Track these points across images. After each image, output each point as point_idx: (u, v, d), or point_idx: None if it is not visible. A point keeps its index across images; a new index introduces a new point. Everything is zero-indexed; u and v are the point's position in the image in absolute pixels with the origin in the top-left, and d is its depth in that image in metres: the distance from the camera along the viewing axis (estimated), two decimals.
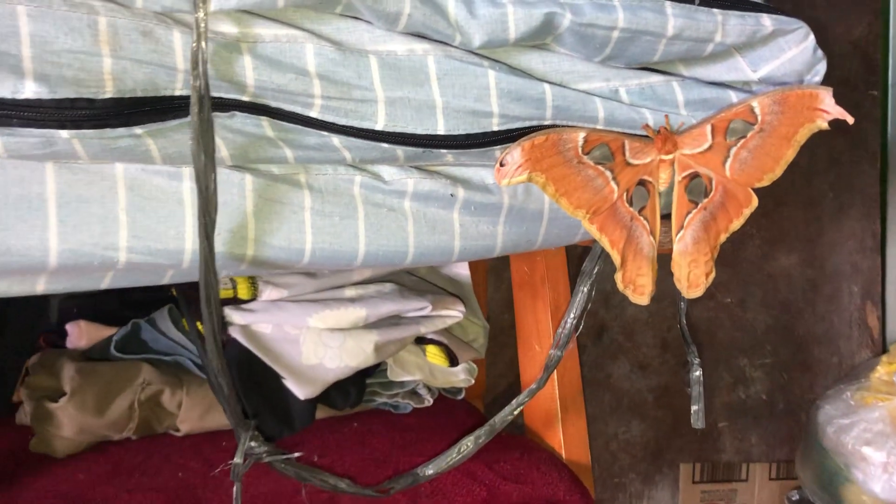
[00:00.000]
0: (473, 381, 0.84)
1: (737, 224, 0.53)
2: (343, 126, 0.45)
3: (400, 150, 0.48)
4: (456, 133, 0.47)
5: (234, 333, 0.70)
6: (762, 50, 0.53)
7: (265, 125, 0.45)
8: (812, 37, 0.52)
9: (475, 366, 0.85)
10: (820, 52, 0.53)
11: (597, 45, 0.48)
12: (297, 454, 0.54)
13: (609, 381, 1.46)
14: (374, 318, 0.73)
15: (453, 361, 0.77)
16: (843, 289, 1.70)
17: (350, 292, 0.74)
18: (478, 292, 0.92)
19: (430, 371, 0.80)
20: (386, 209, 0.50)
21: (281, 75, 0.43)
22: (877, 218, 1.72)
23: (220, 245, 0.46)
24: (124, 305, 0.76)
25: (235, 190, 0.46)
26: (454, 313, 0.78)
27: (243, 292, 0.69)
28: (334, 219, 0.49)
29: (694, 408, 0.69)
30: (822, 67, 0.53)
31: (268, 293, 0.70)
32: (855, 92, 1.66)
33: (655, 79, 0.52)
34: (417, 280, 0.83)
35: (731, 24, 0.50)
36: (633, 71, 0.51)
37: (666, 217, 0.56)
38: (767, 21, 0.51)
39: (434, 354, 0.77)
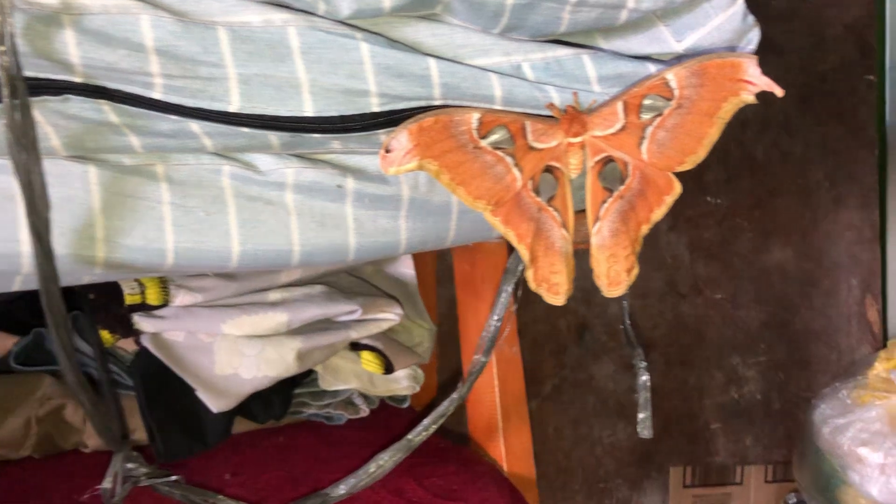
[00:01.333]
0: (419, 388, 0.79)
1: (659, 214, 0.47)
2: (193, 108, 0.40)
3: (272, 136, 0.43)
4: (328, 114, 0.42)
5: (145, 342, 0.65)
6: (686, 17, 0.47)
7: (106, 109, 0.40)
8: (741, 1, 0.46)
9: (421, 371, 0.79)
10: (751, 18, 0.46)
11: (491, 14, 0.43)
12: (175, 477, 0.49)
13: (592, 383, 1.40)
14: (297, 324, 0.67)
15: (388, 368, 0.72)
16: (841, 282, 1.63)
17: (274, 296, 0.69)
18: (427, 292, 0.86)
19: (369, 378, 0.75)
20: (262, 203, 0.45)
21: (111, 51, 0.37)
22: (875, 208, 1.64)
23: (63, 247, 0.41)
24: (34, 314, 0.71)
25: (78, 184, 0.41)
26: (390, 316, 0.72)
27: (153, 297, 0.64)
28: (199, 214, 0.44)
29: (641, 415, 0.63)
30: (755, 35, 0.47)
31: (180, 298, 0.65)
32: (851, 76, 1.59)
33: (563, 52, 0.46)
34: (356, 281, 0.78)
35: None
36: (538, 44, 0.46)
37: (583, 212, 0.50)
38: None
39: (368, 361, 0.72)
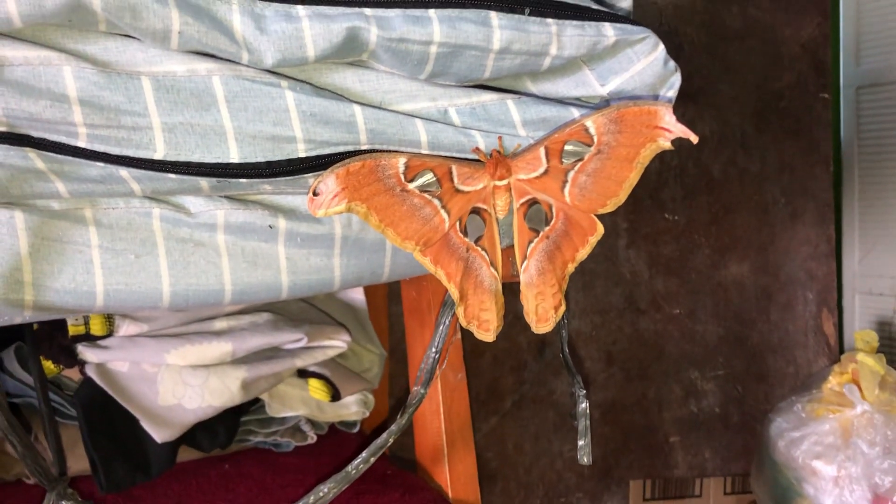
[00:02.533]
0: (369, 413, 0.80)
1: (584, 253, 0.48)
2: (119, 156, 0.40)
3: (202, 181, 0.43)
4: (254, 160, 0.42)
5: (90, 372, 0.65)
6: (610, 62, 0.48)
7: (32, 156, 0.40)
8: (661, 47, 0.47)
9: (371, 396, 0.80)
10: (672, 64, 0.48)
11: (415, 62, 0.44)
12: None
13: (552, 398, 1.41)
14: (242, 353, 0.68)
15: (335, 396, 0.72)
16: (797, 296, 1.66)
17: (220, 324, 0.69)
18: (378, 316, 0.87)
19: (318, 405, 0.75)
20: (192, 244, 0.46)
21: (32, 102, 0.38)
22: (831, 223, 1.68)
23: None
24: None
25: (4, 229, 0.41)
26: (337, 343, 0.73)
27: (97, 328, 0.64)
28: (129, 257, 0.44)
29: (580, 442, 0.64)
30: (676, 80, 0.48)
31: (125, 328, 0.65)
32: (805, 95, 1.62)
33: (488, 97, 0.47)
34: (305, 306, 0.78)
35: (567, 35, 0.45)
36: (464, 89, 0.47)
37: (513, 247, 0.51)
38: (609, 31, 0.46)
39: (316, 388, 0.73)
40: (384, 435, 0.57)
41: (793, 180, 1.62)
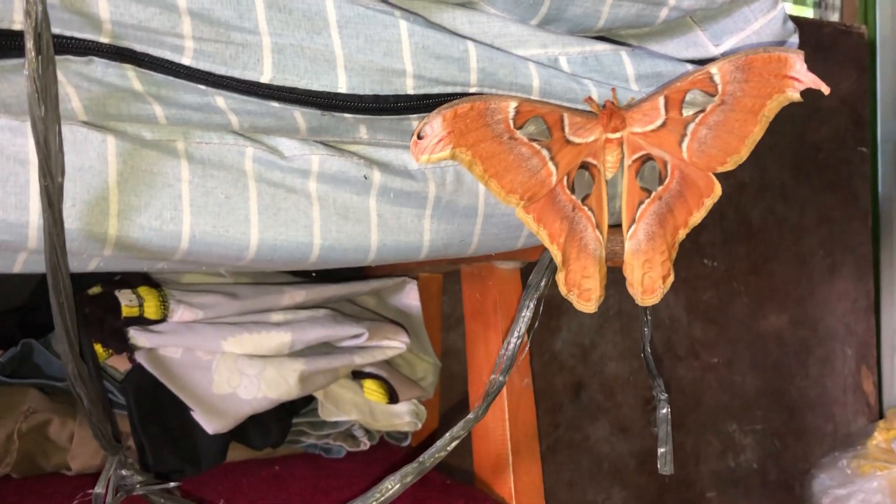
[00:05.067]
0: (421, 426, 0.75)
1: (697, 217, 0.45)
2: (222, 77, 0.38)
3: (299, 116, 0.41)
4: (362, 92, 0.40)
5: (140, 358, 0.62)
6: (724, 21, 0.46)
7: (131, 76, 0.38)
8: (781, 5, 0.45)
9: (423, 408, 0.76)
10: (791, 24, 0.46)
11: (530, 3, 0.42)
12: (174, 484, 0.45)
13: (587, 444, 1.35)
14: (300, 345, 0.64)
15: (393, 398, 0.68)
16: (836, 351, 1.61)
17: (277, 317, 0.66)
18: (432, 326, 0.84)
19: (370, 411, 0.71)
20: (285, 190, 0.43)
21: (142, 8, 0.36)
22: (870, 278, 1.64)
23: (74, 220, 0.39)
24: (23, 327, 0.67)
25: (94, 153, 0.39)
26: (396, 344, 0.69)
27: (151, 311, 0.61)
28: (219, 196, 0.41)
29: (661, 450, 0.60)
30: (794, 41, 0.46)
31: (180, 314, 0.62)
32: (844, 148, 1.61)
33: (601, 47, 0.45)
34: (359, 310, 0.75)
35: None
36: (576, 38, 0.45)
37: (617, 226, 0.48)
38: None
39: (372, 390, 0.69)
40: (460, 424, 0.53)
41: (831, 233, 1.60)
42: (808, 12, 1.88)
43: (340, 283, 0.70)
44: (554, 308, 1.32)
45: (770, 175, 1.52)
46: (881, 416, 1.59)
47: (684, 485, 1.44)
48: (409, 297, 0.79)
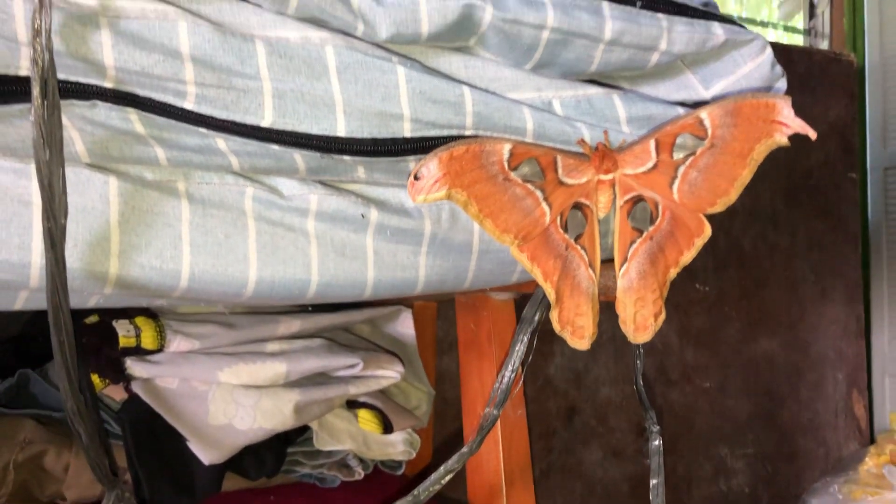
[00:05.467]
0: (415, 454, 0.76)
1: (688, 256, 0.46)
2: (224, 121, 0.39)
3: (299, 158, 0.42)
4: (360, 136, 0.41)
5: (136, 388, 0.62)
6: (714, 64, 0.47)
7: (133, 119, 0.39)
8: (769, 51, 0.46)
9: (417, 436, 0.76)
10: (779, 68, 0.47)
11: (525, 48, 0.43)
12: None
13: (580, 469, 1.36)
14: (296, 376, 0.65)
15: (387, 428, 0.69)
16: (827, 376, 1.62)
17: (273, 346, 0.66)
18: (426, 355, 0.84)
19: (364, 440, 0.72)
20: (283, 228, 0.44)
21: (146, 55, 0.36)
22: (860, 302, 1.66)
23: (75, 260, 0.39)
24: (20, 357, 0.68)
25: (96, 194, 0.39)
26: (390, 374, 0.70)
27: (148, 342, 0.62)
28: (218, 236, 0.42)
29: (653, 482, 0.60)
30: (782, 85, 0.47)
31: (176, 344, 0.62)
32: (834, 174, 1.62)
33: (594, 91, 0.46)
34: (354, 339, 0.75)
35: (677, 31, 0.44)
36: (569, 82, 0.46)
37: (609, 261, 0.49)
38: (719, 30, 0.45)
39: (366, 420, 0.69)
40: (454, 457, 0.54)
41: (822, 258, 1.61)
42: (798, 39, 1.90)
43: (336, 312, 0.71)
44: (548, 333, 1.31)
45: (761, 201, 1.54)
46: (872, 440, 1.60)
47: None
48: (404, 325, 0.79)
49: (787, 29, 1.88)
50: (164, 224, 0.41)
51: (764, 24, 1.87)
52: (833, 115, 1.61)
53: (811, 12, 1.80)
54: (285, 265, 0.44)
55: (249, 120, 0.39)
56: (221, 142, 0.40)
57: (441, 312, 1.01)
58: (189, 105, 0.38)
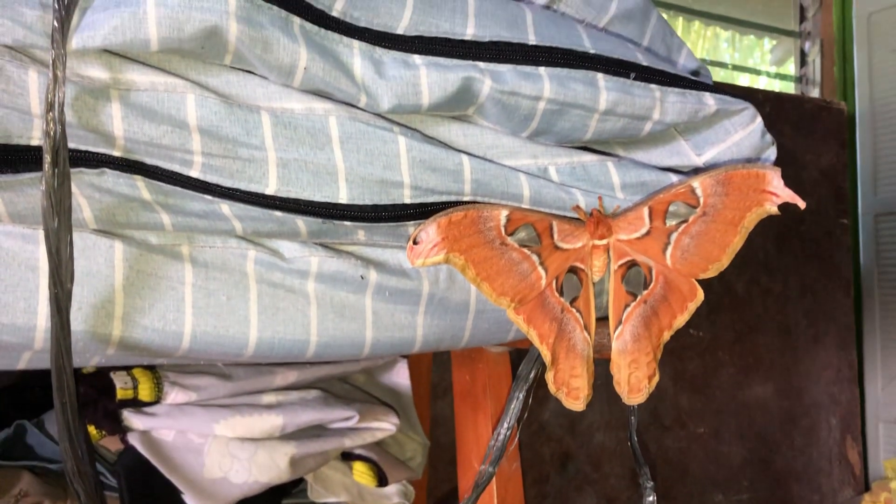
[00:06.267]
0: None
1: (681, 320, 0.47)
2: (229, 189, 0.40)
3: (301, 222, 0.43)
4: (361, 203, 0.42)
5: (133, 440, 0.62)
6: (706, 132, 0.48)
7: (140, 185, 0.40)
8: (759, 120, 0.48)
9: (411, 488, 0.76)
10: (769, 137, 0.48)
11: (522, 118, 0.44)
12: None
13: None
14: (291, 428, 0.65)
15: (382, 481, 0.69)
16: (821, 421, 1.62)
17: (269, 398, 0.67)
18: (421, 405, 0.84)
19: (359, 492, 0.72)
20: (284, 290, 0.44)
21: (154, 127, 0.38)
22: (853, 348, 1.67)
23: (80, 322, 0.40)
24: (17, 407, 0.68)
25: (102, 259, 0.40)
26: (386, 426, 0.70)
27: (145, 394, 0.62)
28: (220, 298, 0.43)
29: None
30: (772, 153, 0.49)
31: (173, 396, 0.63)
32: (825, 220, 1.64)
33: (588, 158, 0.47)
34: (349, 388, 0.76)
35: (670, 102, 0.46)
36: (564, 149, 0.47)
37: (604, 318, 0.50)
38: (710, 100, 0.47)
39: (361, 473, 0.69)
40: None
41: (814, 303, 1.63)
42: (789, 86, 1.94)
43: (332, 363, 0.71)
44: (542, 378, 1.32)
45: (754, 246, 1.55)
46: (867, 487, 1.60)
47: None
48: (400, 375, 0.80)
49: (778, 76, 1.92)
50: (167, 287, 0.42)
51: (757, 72, 1.90)
52: (824, 162, 1.63)
53: (802, 60, 1.83)
54: (285, 326, 0.45)
55: (254, 188, 0.40)
56: (226, 207, 0.41)
57: (436, 357, 1.01)
58: (195, 173, 0.39)
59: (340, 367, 0.73)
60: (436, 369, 1.01)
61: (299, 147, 0.40)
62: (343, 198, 0.41)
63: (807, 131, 1.62)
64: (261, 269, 0.44)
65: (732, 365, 1.54)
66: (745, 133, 0.48)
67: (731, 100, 0.47)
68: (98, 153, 0.38)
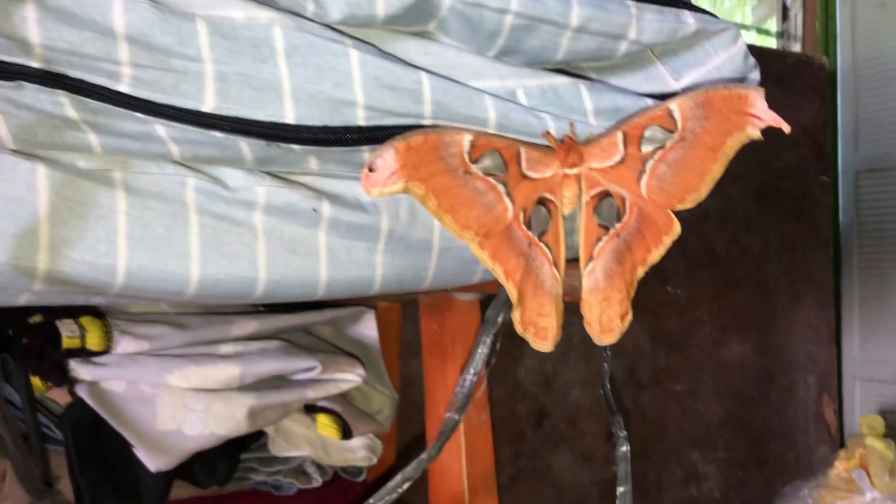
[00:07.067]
0: (376, 460, 0.73)
1: (656, 255, 0.44)
2: (162, 105, 0.36)
3: (245, 146, 0.39)
4: (310, 123, 0.38)
5: (80, 391, 0.59)
6: (685, 55, 0.45)
7: (64, 102, 0.36)
8: (742, 41, 0.45)
9: (379, 442, 0.74)
10: (752, 59, 0.45)
11: (488, 34, 0.41)
12: None
13: (550, 474, 1.34)
14: (250, 379, 0.62)
15: (346, 433, 0.66)
16: (798, 380, 1.62)
17: (226, 348, 0.63)
18: (390, 358, 0.82)
19: (323, 446, 0.69)
20: (228, 222, 0.41)
21: (75, 32, 0.34)
22: (831, 307, 1.65)
23: (1, 253, 0.36)
24: None
25: (22, 183, 0.36)
26: (350, 377, 0.67)
27: (93, 342, 0.59)
28: (157, 229, 0.39)
29: (620, 489, 0.58)
30: (755, 77, 0.46)
31: (124, 345, 0.59)
32: (806, 177, 1.62)
33: (560, 80, 0.44)
34: (315, 340, 0.73)
35: (647, 20, 0.42)
36: (534, 70, 0.43)
37: (576, 260, 0.47)
38: (690, 19, 0.43)
39: (325, 425, 0.66)
40: (412, 464, 0.51)
41: (794, 261, 1.61)
42: (771, 42, 1.90)
43: (294, 312, 0.68)
44: (516, 334, 1.29)
45: (733, 203, 1.53)
46: (842, 444, 1.60)
47: None
48: (367, 327, 0.77)
49: (760, 31, 1.88)
50: (98, 216, 0.38)
51: (738, 27, 1.87)
52: (805, 118, 1.61)
53: (784, 14, 1.80)
54: (230, 262, 0.41)
55: (190, 104, 0.36)
56: (161, 128, 0.38)
57: (408, 314, 0.98)
58: (124, 88, 0.36)
59: (304, 317, 0.70)
60: (409, 327, 0.98)
61: (240, 59, 0.37)
62: (290, 117, 0.38)
63: (788, 87, 1.59)
64: (202, 198, 0.40)
65: (710, 323, 1.52)
66: (726, 55, 0.45)
67: (711, 19, 0.44)
68: (13, 63, 0.34)
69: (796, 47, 1.78)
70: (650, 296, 1.44)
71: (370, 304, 0.78)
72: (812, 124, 1.62)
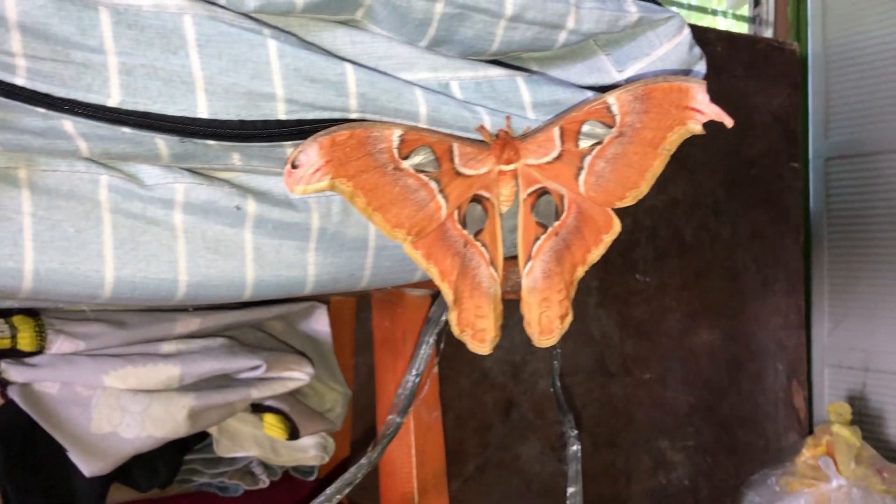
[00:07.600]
0: (328, 459, 0.71)
1: (596, 254, 0.42)
2: (63, 100, 0.34)
3: (160, 142, 0.37)
4: (225, 118, 0.36)
5: (12, 394, 0.56)
6: (629, 46, 0.43)
7: None
8: (688, 30, 0.43)
9: (331, 440, 0.72)
10: (697, 50, 0.44)
11: (417, 23, 0.39)
12: None
13: (517, 463, 1.33)
14: (191, 379, 0.60)
15: (294, 433, 0.64)
16: (768, 367, 1.62)
17: (168, 347, 0.61)
18: (344, 354, 0.80)
19: (272, 446, 0.67)
20: (145, 222, 0.39)
21: None
22: (801, 293, 1.65)
23: None
24: None
25: None
26: (298, 375, 0.65)
27: (25, 343, 0.56)
28: (67, 230, 0.37)
29: (571, 489, 0.57)
30: (701, 68, 0.44)
31: (58, 345, 0.57)
32: (776, 163, 1.61)
33: (496, 72, 0.42)
34: (264, 337, 0.71)
35: (586, 8, 0.40)
36: (469, 62, 0.42)
37: (514, 258, 0.45)
38: (632, 7, 0.41)
39: (271, 425, 0.64)
40: (352, 469, 0.50)
41: (764, 248, 1.60)
42: (742, 27, 1.89)
43: (241, 308, 0.66)
44: None
45: (703, 190, 1.52)
46: (811, 431, 1.60)
47: (615, 503, 1.43)
48: (319, 322, 0.75)
49: (736, 17, 1.87)
50: (1, 218, 0.36)
51: (714, 13, 1.85)
52: (776, 105, 1.60)
53: (756, 0, 1.78)
54: (148, 263, 0.39)
55: (93, 99, 0.34)
56: (68, 124, 0.35)
57: (364, 309, 0.96)
58: (21, 81, 0.33)
59: (251, 313, 0.68)
60: (364, 322, 0.96)
61: (147, 50, 0.34)
62: (203, 111, 0.36)
63: (759, 73, 1.58)
64: (116, 196, 0.38)
65: (679, 311, 1.51)
66: (671, 46, 0.43)
67: (655, 7, 0.42)
68: None
69: (768, 32, 1.77)
70: (619, 284, 1.43)
71: (323, 299, 0.76)
72: (783, 111, 1.61)
